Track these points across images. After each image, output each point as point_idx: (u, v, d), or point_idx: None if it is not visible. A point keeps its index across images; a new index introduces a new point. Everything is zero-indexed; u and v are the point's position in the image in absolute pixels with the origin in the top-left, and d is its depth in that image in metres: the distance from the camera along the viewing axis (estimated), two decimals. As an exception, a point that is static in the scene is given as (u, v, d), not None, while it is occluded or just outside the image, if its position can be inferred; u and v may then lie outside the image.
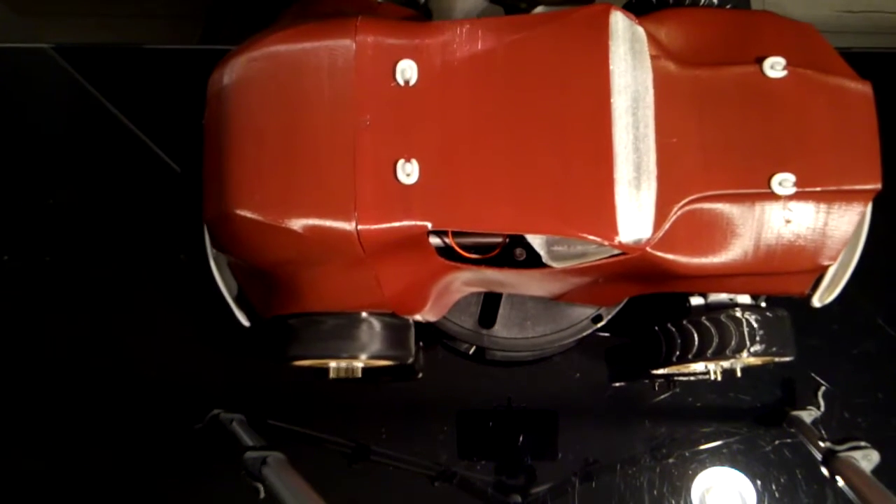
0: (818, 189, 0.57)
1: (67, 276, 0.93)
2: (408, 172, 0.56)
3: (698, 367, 0.71)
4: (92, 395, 0.89)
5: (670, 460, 0.87)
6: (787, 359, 0.65)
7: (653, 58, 0.59)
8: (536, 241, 0.60)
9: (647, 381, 0.88)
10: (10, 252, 0.94)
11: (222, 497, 0.86)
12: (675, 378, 0.84)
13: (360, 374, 0.68)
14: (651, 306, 0.73)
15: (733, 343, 0.63)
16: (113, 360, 0.90)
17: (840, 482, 0.74)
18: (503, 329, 0.77)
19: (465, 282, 0.66)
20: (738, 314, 0.64)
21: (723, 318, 0.64)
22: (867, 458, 0.75)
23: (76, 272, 0.93)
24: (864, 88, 0.59)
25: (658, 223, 0.56)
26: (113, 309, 0.92)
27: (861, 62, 0.62)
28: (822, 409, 0.86)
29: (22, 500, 0.88)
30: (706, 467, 0.87)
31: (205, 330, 0.90)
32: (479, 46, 0.58)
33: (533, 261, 0.60)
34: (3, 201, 0.95)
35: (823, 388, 0.88)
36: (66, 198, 0.95)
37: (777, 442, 0.87)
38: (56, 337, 0.91)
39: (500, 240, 0.63)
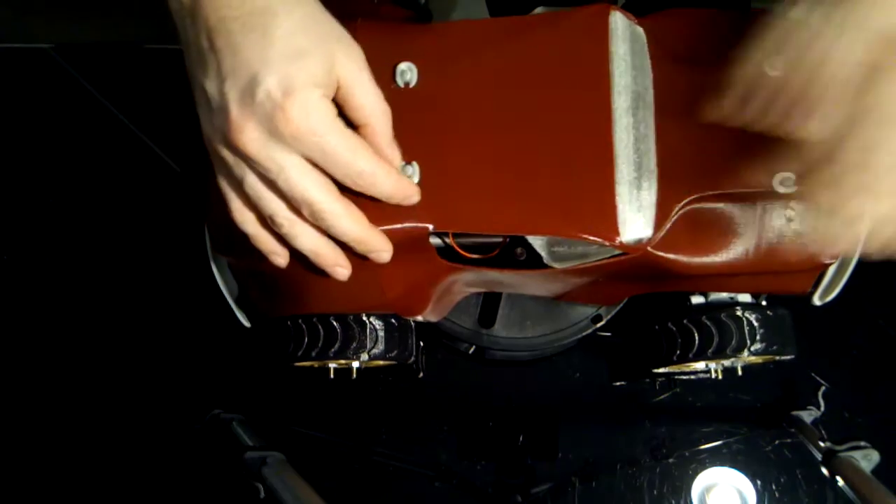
0: (819, 187, 0.56)
1: (68, 276, 0.93)
2: (409, 174, 0.56)
3: (699, 365, 0.71)
4: (91, 395, 0.89)
5: (670, 460, 0.87)
6: (788, 357, 0.65)
7: (653, 58, 0.59)
8: (537, 241, 0.60)
9: (647, 380, 0.88)
10: (10, 252, 0.94)
11: (222, 497, 0.86)
12: (676, 377, 0.84)
13: (355, 375, 0.69)
14: (651, 306, 0.73)
15: (734, 342, 0.63)
16: (112, 360, 0.90)
17: (840, 482, 0.74)
18: (503, 329, 0.77)
19: (466, 282, 0.66)
20: (739, 313, 0.64)
21: (723, 317, 0.64)
22: (867, 458, 0.76)
23: (76, 272, 0.93)
24: (864, 87, 0.59)
25: (659, 223, 0.56)
26: (113, 309, 0.92)
27: (861, 62, 0.62)
28: (823, 408, 0.86)
29: (21, 500, 0.88)
30: (706, 467, 0.87)
31: (205, 330, 0.90)
32: (479, 47, 0.58)
33: (534, 261, 0.60)
34: (3, 201, 0.95)
35: (824, 388, 0.88)
36: (66, 198, 0.95)
37: (777, 442, 0.87)
38: (56, 337, 0.91)
39: (500, 240, 0.63)
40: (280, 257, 0.55)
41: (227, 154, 0.48)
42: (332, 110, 0.47)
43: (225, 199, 0.52)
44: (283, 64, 0.45)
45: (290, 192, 0.48)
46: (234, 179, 0.50)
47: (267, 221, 0.52)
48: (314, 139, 0.46)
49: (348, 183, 0.49)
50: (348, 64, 0.48)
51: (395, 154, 0.53)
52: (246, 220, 0.52)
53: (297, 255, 0.55)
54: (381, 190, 0.51)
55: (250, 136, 0.46)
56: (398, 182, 0.51)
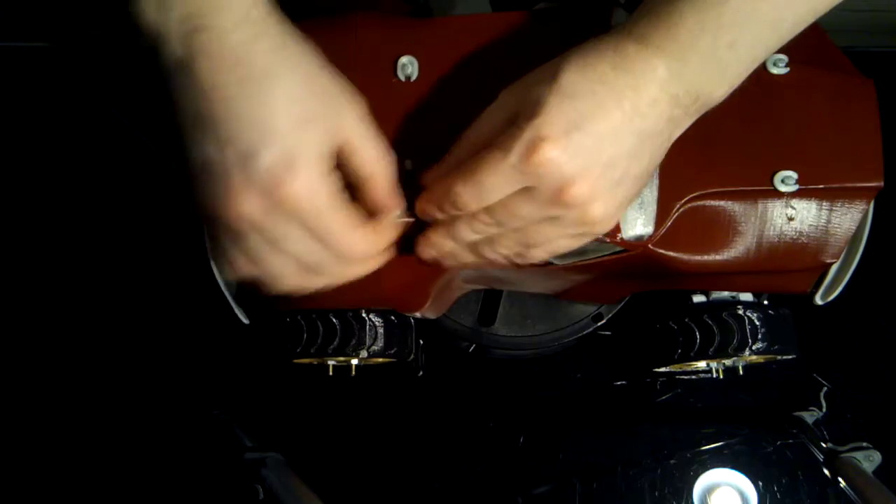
0: (821, 186, 0.56)
1: (67, 276, 0.93)
2: (409, 169, 0.56)
3: (700, 364, 0.71)
4: (91, 395, 0.89)
5: (671, 461, 0.87)
6: (790, 357, 0.65)
7: (654, 55, 0.59)
8: (538, 238, 0.60)
9: (648, 379, 0.88)
10: (9, 251, 0.93)
11: (222, 498, 0.86)
12: (677, 377, 0.84)
13: (354, 372, 0.68)
14: (653, 304, 0.72)
15: (735, 341, 0.63)
16: (112, 359, 0.90)
17: (842, 483, 0.74)
18: (503, 327, 0.76)
19: (465, 279, 0.66)
20: (741, 312, 0.64)
21: (725, 315, 0.64)
22: (869, 459, 0.75)
23: (76, 272, 0.93)
24: (866, 86, 0.59)
25: (660, 220, 0.56)
26: (112, 308, 0.92)
27: (862, 61, 0.62)
28: (824, 409, 0.86)
29: (21, 501, 0.88)
30: (708, 468, 0.86)
31: (204, 329, 0.90)
32: (481, 42, 0.57)
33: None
34: (3, 201, 0.95)
35: (825, 389, 0.88)
36: (65, 198, 0.95)
37: (779, 443, 0.87)
38: (55, 337, 0.91)
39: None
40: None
41: (225, 220, 0.46)
42: (334, 186, 0.47)
43: (224, 255, 0.50)
44: (286, 134, 0.43)
45: (296, 257, 0.48)
46: (231, 241, 0.48)
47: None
48: (314, 219, 0.45)
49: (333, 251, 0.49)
50: (353, 122, 0.48)
51: (395, 204, 0.52)
52: (246, 273, 0.50)
53: None
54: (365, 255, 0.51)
55: (251, 207, 0.44)
56: (381, 257, 0.53)
